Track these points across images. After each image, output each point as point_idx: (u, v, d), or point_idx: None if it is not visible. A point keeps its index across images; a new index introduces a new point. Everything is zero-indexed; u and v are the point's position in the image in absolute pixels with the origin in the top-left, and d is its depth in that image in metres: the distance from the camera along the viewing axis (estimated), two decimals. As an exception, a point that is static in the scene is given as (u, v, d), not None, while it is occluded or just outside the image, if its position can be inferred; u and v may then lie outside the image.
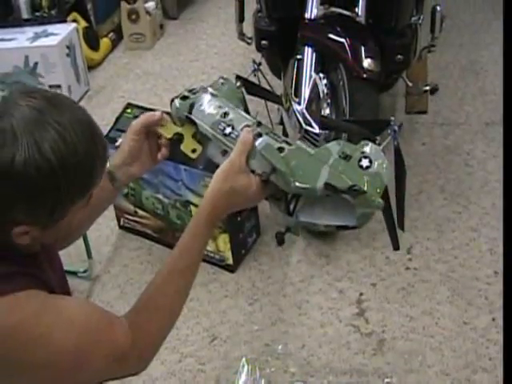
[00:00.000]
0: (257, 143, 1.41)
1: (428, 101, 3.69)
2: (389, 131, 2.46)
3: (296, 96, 2.84)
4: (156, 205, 2.89)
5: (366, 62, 2.71)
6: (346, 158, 1.34)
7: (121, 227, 3.09)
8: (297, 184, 1.36)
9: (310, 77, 2.81)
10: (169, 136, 1.58)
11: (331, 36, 2.76)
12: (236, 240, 2.76)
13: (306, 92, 2.81)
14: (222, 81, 1.62)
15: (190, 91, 1.59)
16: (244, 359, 2.31)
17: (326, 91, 2.79)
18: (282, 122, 3.08)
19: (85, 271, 2.81)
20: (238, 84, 2.24)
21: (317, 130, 2.73)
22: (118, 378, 1.37)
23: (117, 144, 1.64)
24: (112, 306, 2.69)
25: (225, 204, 1.42)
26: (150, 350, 1.37)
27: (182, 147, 1.62)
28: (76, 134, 1.20)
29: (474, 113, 3.67)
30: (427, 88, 3.50)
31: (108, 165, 1.51)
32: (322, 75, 2.80)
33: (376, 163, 1.33)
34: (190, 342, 2.49)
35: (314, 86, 2.80)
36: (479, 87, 3.89)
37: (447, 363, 2.35)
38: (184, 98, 1.57)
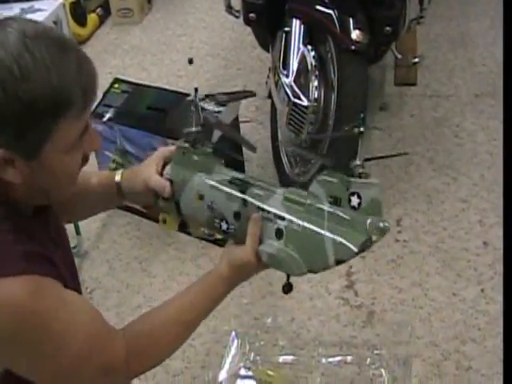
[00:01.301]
0: (261, 248, 1.38)
1: (417, 73, 3.68)
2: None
3: (284, 69, 2.82)
4: (144, 180, 2.87)
5: (355, 34, 2.68)
6: (337, 201, 1.30)
7: (109, 203, 3.08)
8: (309, 270, 1.34)
9: (298, 49, 2.79)
10: (173, 229, 1.61)
11: (319, 8, 2.73)
12: (225, 214, 2.75)
13: (294, 65, 2.79)
14: (183, 150, 1.53)
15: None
16: (233, 333, 2.30)
17: (314, 63, 2.77)
18: (270, 96, 3.07)
19: (74, 247, 2.80)
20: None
21: (305, 102, 2.72)
22: None
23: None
24: (100, 281, 2.69)
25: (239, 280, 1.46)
26: (138, 372, 1.37)
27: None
28: (46, 48, 1.13)
29: (464, 85, 3.66)
30: (416, 60, 3.49)
31: (118, 178, 1.59)
32: (310, 47, 2.78)
33: (364, 194, 1.28)
34: (179, 316, 2.48)
35: (302, 59, 2.78)
36: (468, 59, 3.87)
37: (436, 334, 2.36)
38: (165, 199, 1.53)
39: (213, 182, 1.46)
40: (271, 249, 1.35)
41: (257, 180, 1.45)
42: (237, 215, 1.42)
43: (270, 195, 1.39)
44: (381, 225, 1.25)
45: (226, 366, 2.25)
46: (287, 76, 2.79)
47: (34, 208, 1.32)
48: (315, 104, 2.72)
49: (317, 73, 2.76)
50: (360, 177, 1.29)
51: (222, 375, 2.22)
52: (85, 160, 1.29)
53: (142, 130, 2.77)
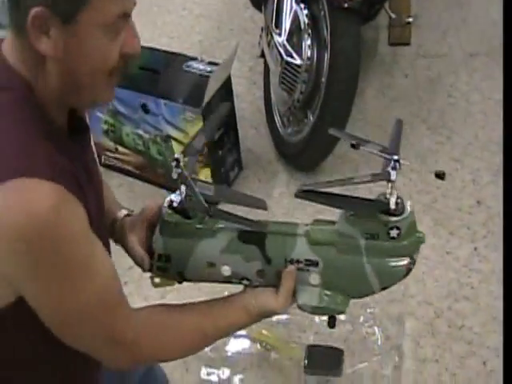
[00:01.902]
0: (301, 303, 1.30)
1: (411, 33, 3.65)
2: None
3: (277, 28, 2.80)
4: (136, 141, 2.86)
5: (348, -8, 2.66)
6: (374, 237, 1.24)
7: (102, 165, 3.06)
8: (354, 299, 1.30)
9: (291, 8, 2.76)
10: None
11: (312, -35, 2.70)
12: (218, 174, 2.75)
13: (286, 23, 2.76)
14: (173, 222, 1.32)
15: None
16: (227, 293, 2.30)
17: (307, 22, 2.74)
18: (262, 55, 3.04)
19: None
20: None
21: (298, 61, 2.69)
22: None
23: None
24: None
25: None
26: (141, 360, 1.32)
27: None
28: None
29: (458, 44, 3.63)
30: (410, 20, 3.46)
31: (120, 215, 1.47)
32: (302, 6, 2.74)
33: (403, 225, 1.21)
34: (173, 276, 2.48)
35: (295, 18, 2.75)
36: (463, 18, 3.83)
37: (429, 293, 2.37)
38: (160, 269, 1.36)
39: (222, 246, 1.30)
40: (312, 301, 1.28)
41: (267, 223, 1.31)
42: (261, 273, 1.30)
43: (292, 242, 1.28)
44: (418, 239, 1.24)
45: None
46: (280, 35, 2.77)
47: (69, 127, 1.23)
48: (308, 63, 2.69)
49: (310, 31, 2.73)
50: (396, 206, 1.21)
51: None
52: (123, 62, 1.20)
53: (134, 91, 2.75)
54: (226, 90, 2.75)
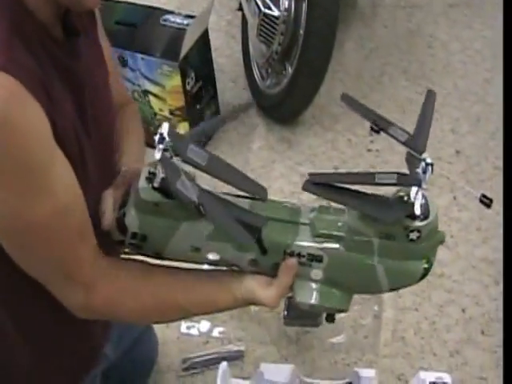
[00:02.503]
0: (299, 300, 1.18)
1: (390, -17, 3.62)
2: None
3: (254, -21, 2.76)
4: (114, 96, 2.83)
5: None
6: (391, 237, 1.10)
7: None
8: (357, 296, 1.21)
9: (268, -41, 2.73)
10: None
11: None
12: (196, 128, 2.73)
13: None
14: (154, 202, 1.10)
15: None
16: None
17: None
18: (240, 8, 3.01)
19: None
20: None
21: (276, 12, 2.67)
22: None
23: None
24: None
25: None
26: (97, 312, 1.21)
27: None
28: None
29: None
30: (389, -30, 3.43)
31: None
32: (279, -44, 2.71)
33: (425, 229, 1.10)
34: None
35: (272, -31, 2.72)
36: (443, -31, 3.81)
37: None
38: (133, 246, 1.18)
39: (210, 232, 1.11)
40: (312, 298, 1.16)
41: (265, 206, 1.14)
42: (254, 262, 1.15)
43: (294, 232, 1.13)
44: (437, 240, 1.15)
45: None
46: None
47: (63, 28, 1.13)
48: (286, 14, 2.66)
49: (287, -18, 2.70)
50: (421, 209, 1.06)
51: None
52: None
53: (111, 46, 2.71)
54: (204, 43, 2.72)
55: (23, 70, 0.97)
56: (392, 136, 1.12)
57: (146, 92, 2.69)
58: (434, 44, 3.25)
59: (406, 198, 1.09)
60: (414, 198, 1.07)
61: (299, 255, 1.12)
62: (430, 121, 1.21)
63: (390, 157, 2.67)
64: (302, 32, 2.64)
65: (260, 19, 2.73)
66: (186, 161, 1.02)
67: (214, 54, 2.81)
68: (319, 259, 1.12)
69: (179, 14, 2.70)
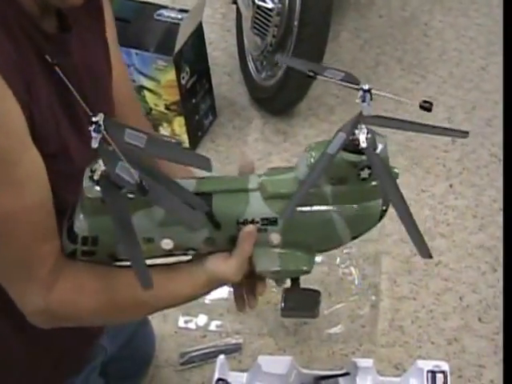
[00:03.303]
0: (259, 269, 1.15)
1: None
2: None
3: (247, -28, 2.76)
4: (110, 92, 2.83)
5: None
6: (342, 181, 1.07)
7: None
8: (319, 254, 1.19)
9: (261, -49, 2.73)
10: None
11: None
12: (192, 122, 2.73)
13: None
14: (99, 199, 1.07)
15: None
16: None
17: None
18: (235, 1, 3.01)
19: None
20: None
21: (269, 4, 2.67)
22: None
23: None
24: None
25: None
26: (54, 313, 1.16)
27: None
28: None
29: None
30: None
31: None
32: None
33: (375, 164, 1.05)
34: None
35: (265, -40, 2.72)
36: (437, -44, 3.80)
37: (405, 231, 2.37)
38: (86, 254, 1.14)
39: (160, 218, 1.09)
40: (273, 265, 1.13)
41: (212, 182, 1.12)
42: (209, 241, 1.13)
43: (244, 200, 1.10)
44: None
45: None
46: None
47: (57, 21, 1.14)
48: (280, 6, 2.66)
49: (280, -26, 2.70)
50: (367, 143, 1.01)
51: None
52: None
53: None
54: (198, 37, 2.72)
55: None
56: (328, 78, 1.09)
57: (141, 87, 2.69)
58: (429, 32, 3.24)
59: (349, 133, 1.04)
60: (359, 130, 1.04)
61: (253, 222, 1.10)
62: None
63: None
64: (296, 24, 2.64)
65: (254, 12, 2.73)
66: (125, 146, 0.99)
67: (208, 48, 2.81)
68: (273, 221, 1.10)
69: (173, 9, 2.70)
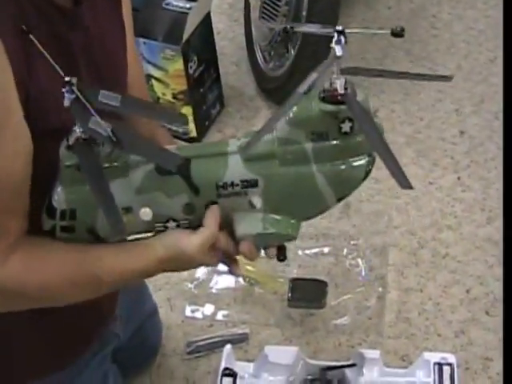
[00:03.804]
0: (241, 233, 1.12)
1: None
2: None
3: (256, -39, 2.76)
4: (117, 80, 2.83)
5: None
6: (323, 136, 1.04)
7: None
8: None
9: None
10: None
11: None
12: (199, 112, 2.72)
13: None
14: (74, 167, 1.07)
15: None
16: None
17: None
18: (243, -7, 3.01)
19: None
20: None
21: (279, -6, 2.67)
22: None
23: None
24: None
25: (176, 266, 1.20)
26: (8, 286, 1.12)
27: None
28: None
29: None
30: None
31: None
32: None
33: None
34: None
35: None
36: None
37: (413, 223, 2.37)
38: (65, 229, 1.13)
39: (138, 184, 1.08)
40: (255, 228, 1.10)
41: (191, 147, 1.14)
42: (188, 207, 1.11)
43: (223, 163, 1.08)
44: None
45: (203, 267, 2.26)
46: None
47: None
48: (288, -4, 2.66)
49: (288, -35, 2.69)
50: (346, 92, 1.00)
51: (200, 272, 2.24)
52: None
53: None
54: (206, 26, 2.71)
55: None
56: (305, 30, 1.14)
57: (148, 76, 2.68)
58: (438, 25, 3.23)
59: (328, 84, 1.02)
60: (335, 77, 1.01)
61: (232, 185, 1.08)
62: None
63: (394, 137, 2.65)
64: (304, 14, 2.63)
65: (262, 1, 2.73)
66: (100, 106, 1.00)
67: (216, 38, 2.80)
68: (254, 183, 1.08)
69: (181, -3, 2.69)
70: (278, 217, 1.10)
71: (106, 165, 1.06)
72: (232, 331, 2.11)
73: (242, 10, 3.11)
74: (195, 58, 2.64)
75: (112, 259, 1.15)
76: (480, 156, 2.58)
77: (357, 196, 2.45)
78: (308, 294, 2.12)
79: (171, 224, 1.12)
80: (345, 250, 2.28)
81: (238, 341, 2.07)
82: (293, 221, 1.12)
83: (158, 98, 2.69)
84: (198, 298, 2.18)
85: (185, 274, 2.21)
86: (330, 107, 1.02)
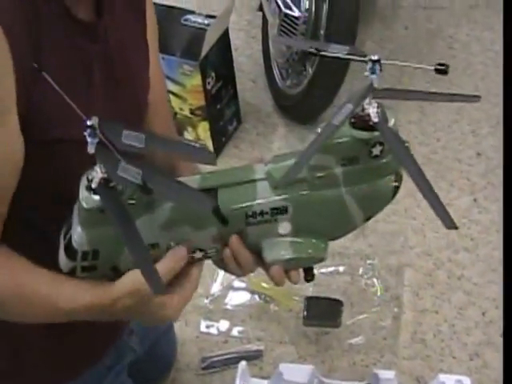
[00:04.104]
0: (272, 259, 1.08)
1: (411, -16, 3.61)
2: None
3: (274, -20, 2.76)
4: (135, 95, 2.83)
5: None
6: (353, 160, 1.02)
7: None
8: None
9: (289, -41, 2.73)
10: None
11: None
12: (216, 127, 2.73)
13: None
14: (85, 195, 1.00)
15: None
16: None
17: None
18: (261, 8, 3.01)
19: None
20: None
21: (296, 13, 2.67)
22: None
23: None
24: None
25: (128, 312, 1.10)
26: None
27: None
28: None
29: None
30: (410, -29, 3.42)
31: None
32: (300, -43, 2.71)
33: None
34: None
35: (293, -31, 2.72)
36: (463, -31, 3.80)
37: (429, 244, 2.37)
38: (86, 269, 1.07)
39: (164, 220, 1.04)
40: (285, 254, 1.07)
41: (215, 176, 1.07)
42: (216, 238, 1.07)
43: (251, 191, 1.04)
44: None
45: (219, 279, 2.25)
46: (279, -8, 2.74)
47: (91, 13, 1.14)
48: (306, 14, 2.67)
49: (308, -16, 2.70)
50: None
51: (215, 288, 2.24)
52: None
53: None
54: (224, 43, 2.72)
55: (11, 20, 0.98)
56: (332, 54, 1.03)
57: (167, 91, 2.69)
58: (455, 45, 3.24)
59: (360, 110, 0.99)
60: (368, 104, 0.98)
61: (262, 213, 1.04)
62: None
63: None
64: (322, 32, 2.64)
65: (280, 19, 2.73)
66: (124, 147, 0.93)
67: (234, 54, 2.81)
68: (283, 211, 1.04)
69: (200, 14, 2.70)
70: (307, 240, 1.07)
71: (131, 201, 1.01)
72: (247, 348, 2.10)
73: (259, 26, 3.12)
74: (213, 74, 2.65)
75: (72, 287, 1.09)
76: (496, 178, 2.58)
77: (373, 215, 2.45)
78: (323, 312, 2.11)
79: (198, 254, 1.08)
80: (360, 270, 2.28)
81: (253, 357, 2.07)
82: (322, 242, 1.09)
83: (176, 113, 2.69)
84: (213, 314, 2.18)
85: (200, 289, 2.21)
86: (363, 134, 1.00)
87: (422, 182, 0.99)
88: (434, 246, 2.36)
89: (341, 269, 2.28)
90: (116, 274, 1.07)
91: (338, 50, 1.04)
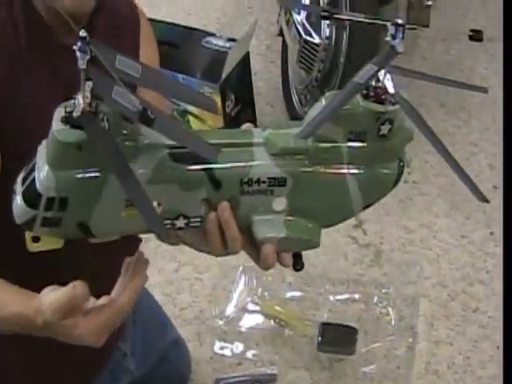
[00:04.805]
0: (262, 236, 0.97)
1: (430, 15, 3.62)
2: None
3: (296, 6, 2.78)
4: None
5: (367, -31, 2.63)
6: (361, 136, 0.95)
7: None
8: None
9: (311, -15, 2.75)
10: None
11: None
12: (234, 151, 2.73)
13: (306, 1, 2.75)
14: (60, 128, 0.85)
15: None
16: (241, 268, 2.30)
17: (326, 1, 2.72)
18: (281, 34, 3.03)
19: None
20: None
21: (316, 39, 2.68)
22: None
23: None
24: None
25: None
26: None
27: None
28: None
29: (477, 28, 3.61)
30: (429, 3, 3.43)
31: None
32: (323, -16, 2.73)
33: (397, 119, 0.95)
34: (187, 250, 2.47)
35: (315, -5, 2.74)
36: (482, 1, 3.81)
37: (444, 275, 2.36)
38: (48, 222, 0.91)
39: (148, 172, 0.90)
40: (279, 232, 0.97)
41: (213, 132, 1.00)
42: (205, 204, 0.95)
43: (248, 156, 0.94)
44: (407, 135, 0.98)
45: (234, 301, 2.25)
46: (299, 13, 2.75)
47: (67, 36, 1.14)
48: (327, 42, 2.68)
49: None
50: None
51: (230, 309, 2.23)
52: None
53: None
54: (244, 66, 2.74)
55: None
56: (346, 17, 1.02)
57: (185, 112, 2.70)
58: (473, 77, 3.25)
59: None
60: (384, 75, 0.93)
61: (258, 182, 0.94)
62: None
63: (427, 189, 2.66)
64: (342, 60, 2.66)
65: (301, 46, 2.74)
66: (118, 74, 0.80)
67: (253, 78, 2.82)
68: (282, 182, 0.95)
69: (221, 37, 2.72)
70: (301, 221, 0.98)
71: (128, 144, 0.88)
72: (261, 371, 2.09)
73: (278, 51, 3.14)
74: (232, 97, 2.66)
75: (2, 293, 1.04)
76: (513, 211, 2.58)
77: (388, 245, 2.45)
78: (338, 339, 2.10)
79: (180, 222, 0.95)
80: (375, 298, 2.27)
81: (267, 381, 2.06)
82: (316, 227, 1.00)
83: (194, 134, 2.70)
84: (227, 335, 2.17)
85: (215, 311, 2.21)
86: (376, 106, 0.93)
87: (443, 151, 0.99)
88: (449, 277, 2.36)
89: (356, 296, 2.27)
90: (83, 232, 0.92)
91: (350, 16, 1.01)
